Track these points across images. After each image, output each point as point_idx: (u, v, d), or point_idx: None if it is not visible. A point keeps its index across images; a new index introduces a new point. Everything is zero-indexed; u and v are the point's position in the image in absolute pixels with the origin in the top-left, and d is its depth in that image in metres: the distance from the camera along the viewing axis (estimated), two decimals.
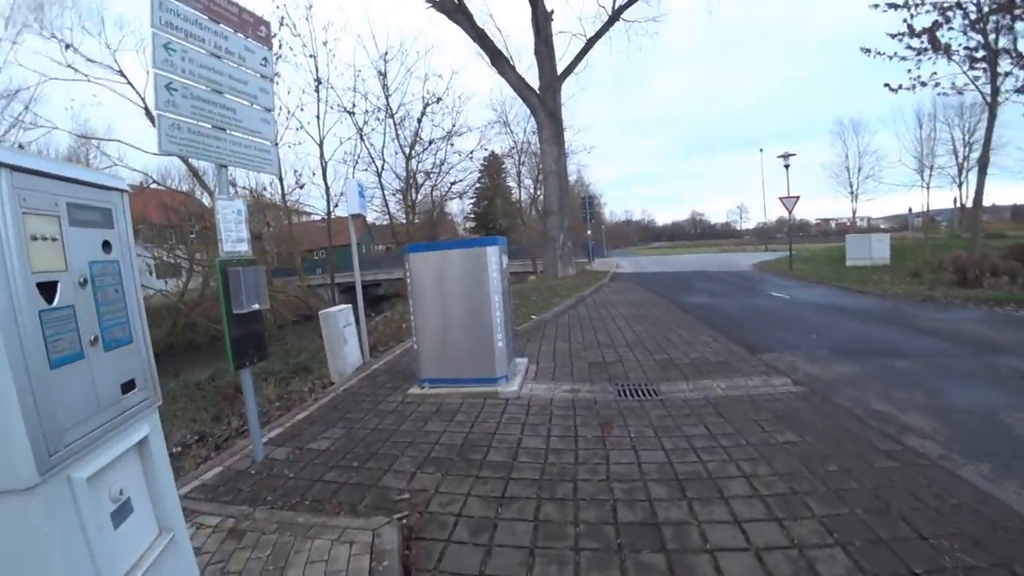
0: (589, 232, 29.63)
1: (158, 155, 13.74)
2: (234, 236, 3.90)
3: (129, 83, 13.75)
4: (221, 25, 3.78)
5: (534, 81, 17.91)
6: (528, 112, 20.06)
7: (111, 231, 1.50)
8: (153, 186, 15.83)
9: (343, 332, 6.55)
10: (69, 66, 11.88)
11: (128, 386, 1.51)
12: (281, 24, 10.29)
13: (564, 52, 18.75)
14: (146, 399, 1.59)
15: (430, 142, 13.28)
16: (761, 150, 57.63)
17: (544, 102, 18.09)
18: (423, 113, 12.81)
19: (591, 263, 27.91)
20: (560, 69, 18.72)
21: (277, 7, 9.95)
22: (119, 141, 13.56)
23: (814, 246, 36.63)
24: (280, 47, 10.18)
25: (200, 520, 2.91)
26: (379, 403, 5.05)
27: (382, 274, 25.65)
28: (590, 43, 18.83)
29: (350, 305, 7.18)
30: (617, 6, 18.47)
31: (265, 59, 4.17)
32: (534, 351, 6.87)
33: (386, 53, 12.40)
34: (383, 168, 12.55)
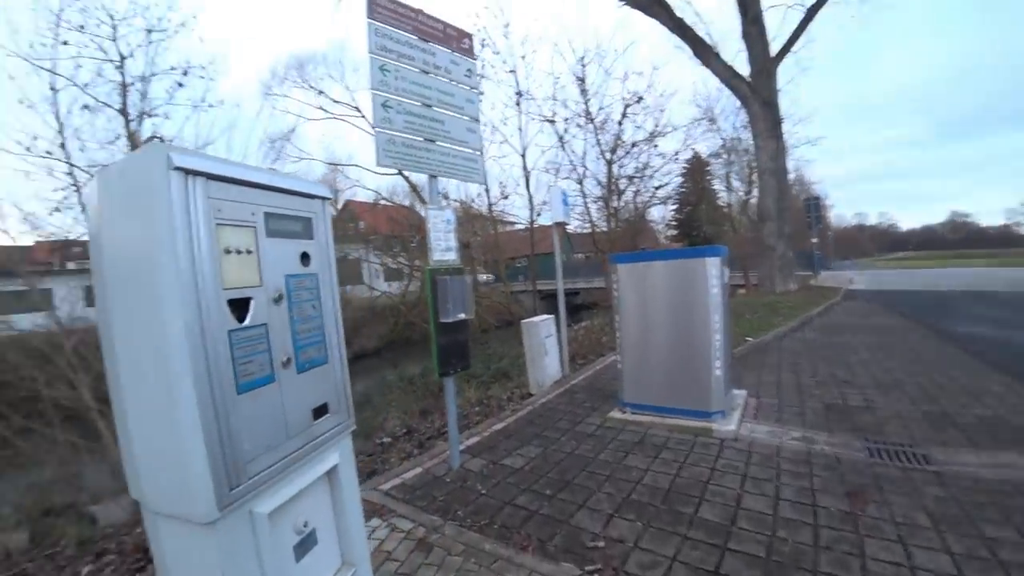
0: (815, 240, 25.42)
1: (386, 175, 15.98)
2: (443, 245, 3.98)
3: (363, 116, 16.30)
4: (429, 43, 3.91)
5: (743, 69, 15.91)
6: (738, 104, 17.98)
7: (310, 242, 1.41)
8: (382, 202, 18.51)
9: (544, 343, 6.45)
10: (320, 108, 14.55)
11: (320, 411, 1.40)
12: (483, 45, 10.91)
13: (777, 31, 16.28)
14: (339, 425, 1.47)
15: (632, 145, 12.68)
16: None
17: (756, 90, 15.95)
18: (624, 115, 12.28)
19: (816, 277, 23.78)
20: (774, 50, 16.30)
21: (478, 30, 10.63)
22: (357, 166, 16.25)
23: None
24: (483, 67, 10.80)
25: (395, 522, 2.95)
26: (576, 423, 4.73)
27: (581, 282, 25.71)
28: (811, 13, 15.98)
29: (552, 316, 7.05)
30: None
31: (469, 70, 4.22)
32: (752, 381, 5.83)
33: (583, 57, 12.23)
34: (584, 175, 12.41)
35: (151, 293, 1.02)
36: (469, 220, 14.46)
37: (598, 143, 12.50)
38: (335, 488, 1.46)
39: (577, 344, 9.12)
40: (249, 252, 1.19)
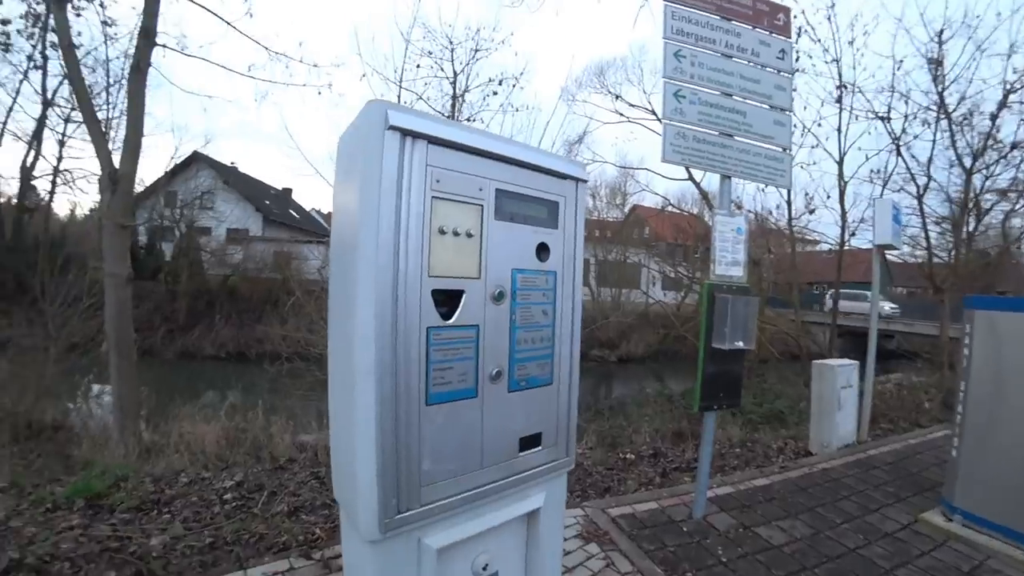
0: None
1: (676, 179, 15.32)
2: (729, 257, 3.38)
3: (658, 118, 15.91)
4: (733, 22, 3.33)
5: None
6: None
7: (553, 232, 1.13)
8: (669, 209, 17.87)
9: (839, 394, 5.06)
10: (615, 111, 14.70)
11: (531, 441, 1.13)
12: (799, 34, 9.10)
13: None
14: (552, 462, 1.18)
15: (1012, 147, 8.76)
16: None
17: None
18: (1003, 104, 8.53)
19: None
20: None
21: (795, 16, 8.80)
22: (648, 169, 16.01)
23: None
24: (797, 59, 9.04)
25: (613, 558, 2.59)
26: (867, 512, 3.48)
27: (899, 325, 20.47)
28: None
29: (855, 363, 5.50)
30: None
31: (783, 51, 3.46)
32: None
33: (941, 32, 8.94)
34: (927, 187, 9.31)
35: (351, 272, 0.91)
36: (763, 235, 12.66)
37: (953, 145, 9.14)
38: (533, 534, 1.19)
39: (885, 403, 7.02)
40: (470, 235, 0.98)
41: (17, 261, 14.53)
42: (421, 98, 8.04)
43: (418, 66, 8.26)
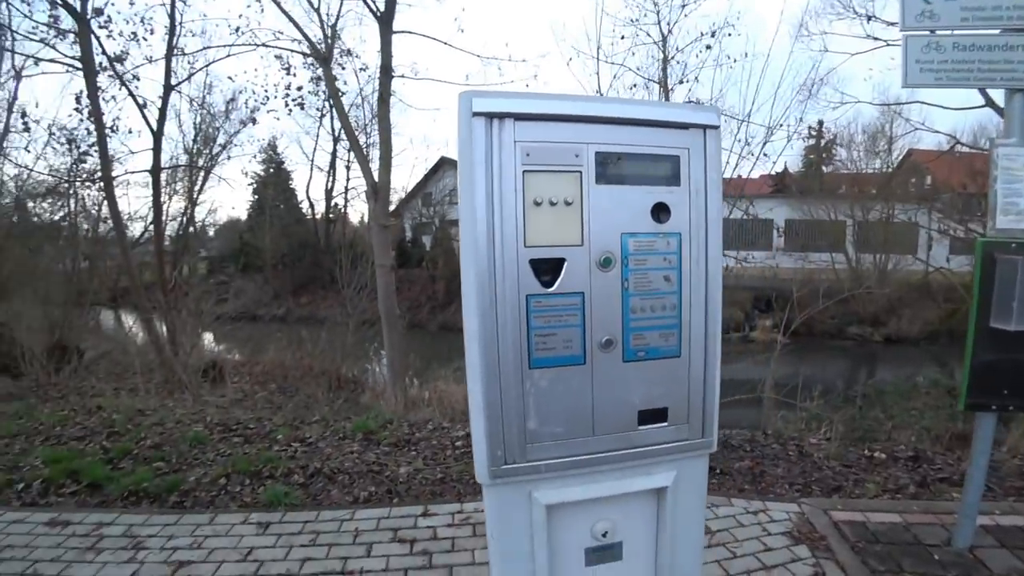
0: None
1: (967, 109, 11.54)
2: (1021, 204, 2.51)
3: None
4: None
5: None
6: None
7: (673, 190, 1.05)
8: (960, 149, 13.53)
9: None
10: (868, 36, 11.61)
11: (653, 416, 1.07)
12: None
13: None
14: (680, 441, 1.10)
15: None
16: None
17: None
18: None
19: None
20: None
21: None
22: (922, 102, 12.17)
23: None
24: None
25: (827, 568, 2.24)
26: None
27: None
28: None
29: None
30: None
31: None
32: None
33: None
34: None
35: (461, 247, 0.99)
36: None
37: None
38: (663, 513, 1.13)
39: None
40: (568, 203, 0.97)
41: (328, 259, 19.41)
42: (630, 69, 7.80)
43: (622, 37, 8.02)
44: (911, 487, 3.42)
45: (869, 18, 11.63)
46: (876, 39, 11.75)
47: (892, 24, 11.58)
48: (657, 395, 1.07)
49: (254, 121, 12.33)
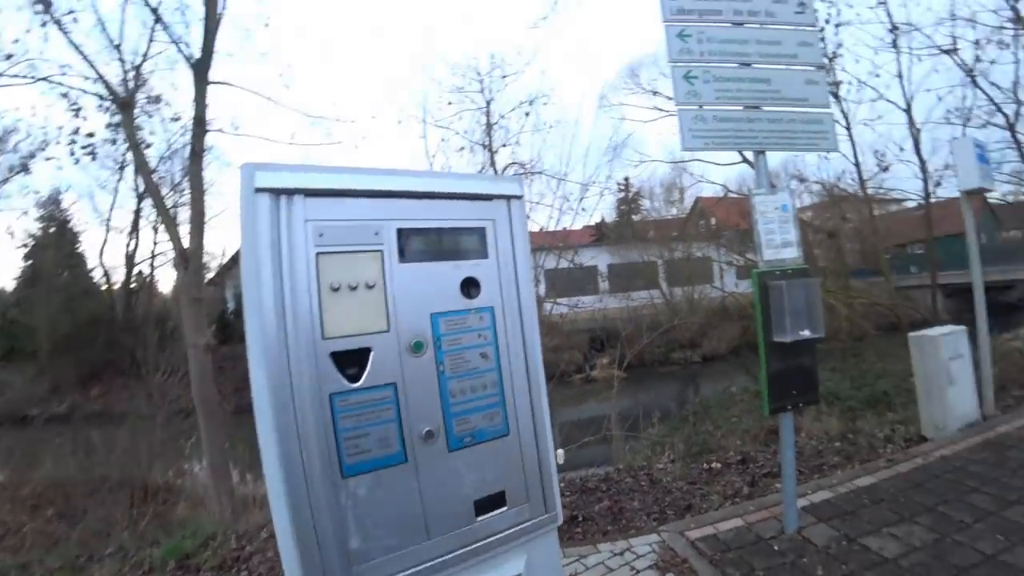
0: None
1: (731, 164, 14.45)
2: (777, 239, 3.11)
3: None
4: None
5: None
6: None
7: (481, 263, 1.02)
8: (730, 195, 16.95)
9: (948, 367, 4.43)
10: (655, 108, 14.29)
11: (490, 503, 1.00)
12: None
13: None
14: (523, 524, 1.03)
15: None
16: None
17: None
18: None
19: None
20: None
21: None
22: (700, 160, 15.14)
23: None
24: (839, 12, 8.32)
25: None
26: (1008, 506, 2.95)
27: (1018, 271, 17.97)
28: None
29: (962, 328, 4.82)
30: None
31: (801, 4, 3.15)
32: None
33: None
34: (1018, 115, 8.18)
35: (250, 348, 0.83)
36: (834, 204, 11.65)
37: None
38: None
39: (1011, 365, 6.08)
40: (370, 287, 0.89)
41: (129, 339, 16.27)
42: (456, 133, 8.24)
43: (450, 103, 8.50)
44: (744, 488, 3.86)
45: (654, 93, 14.01)
46: (661, 110, 14.16)
47: (671, 98, 14.23)
48: (491, 480, 1.00)
49: (26, 169, 10.00)
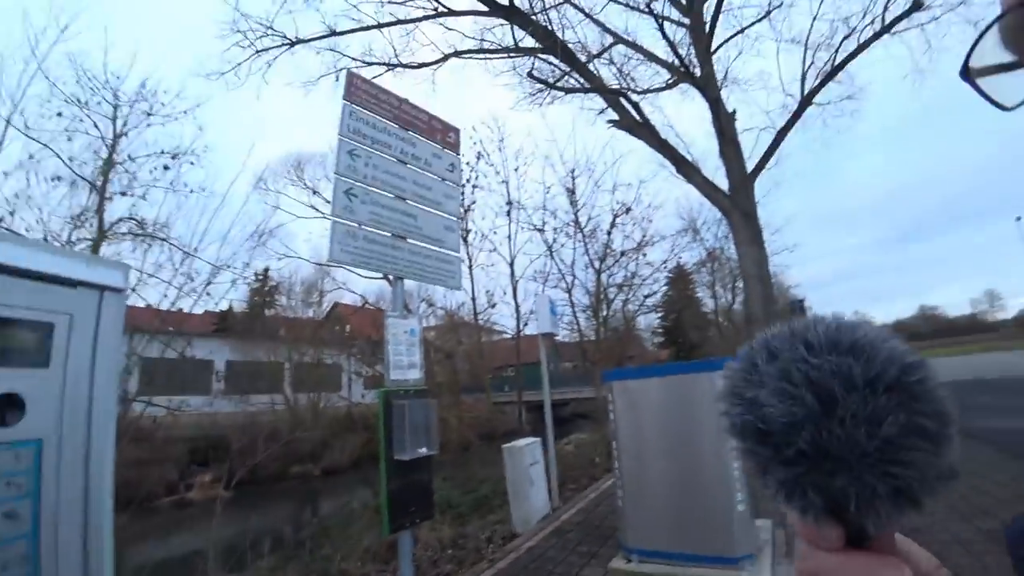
0: None
1: (373, 278, 15.55)
2: (405, 361, 3.28)
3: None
4: (409, 132, 3.57)
5: (722, 183, 16.63)
6: (719, 216, 18.62)
7: (38, 373, 0.67)
8: (368, 306, 17.92)
9: (529, 471, 5.47)
10: (311, 206, 14.54)
11: None
12: (478, 158, 11.17)
13: (752, 149, 17.18)
14: None
15: (621, 254, 12.62)
16: (1019, 218, 36.35)
17: (736, 203, 16.45)
18: (612, 225, 12.34)
19: None
20: (750, 167, 17.19)
21: (474, 143, 10.82)
22: (346, 268, 15.54)
23: None
24: (476, 178, 10.92)
25: None
26: None
27: (570, 392, 24.55)
28: (780, 135, 17.09)
29: (537, 440, 6.13)
30: (806, 91, 16.70)
31: (452, 165, 3.85)
32: (776, 505, 4.87)
33: (573, 170, 12.41)
34: (573, 284, 12.07)
35: None
36: (453, 328, 13.83)
37: (587, 252, 12.37)
38: None
39: (567, 465, 8.03)
40: None
41: None
42: (59, 155, 6.06)
43: (59, 114, 6.30)
44: None
45: (314, 192, 14.10)
46: (317, 210, 14.24)
47: (329, 202, 14.49)
48: None
49: None
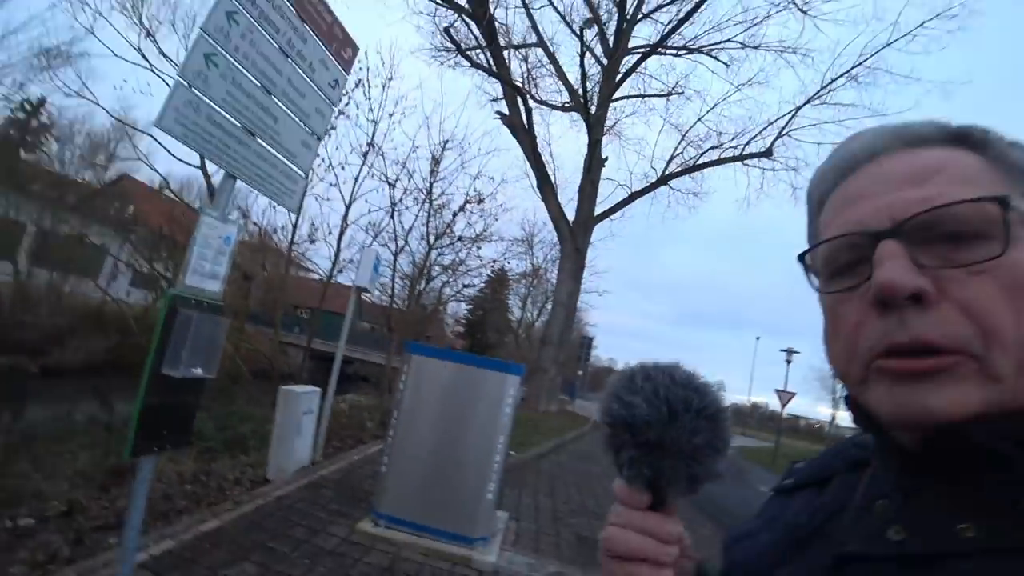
0: (581, 373, 28.84)
1: (186, 164, 13.21)
2: (208, 268, 2.83)
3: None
4: (306, 26, 3.21)
5: (571, 214, 18.33)
6: (555, 241, 20.36)
7: None
8: (168, 193, 15.05)
9: (300, 420, 5.30)
10: (138, 49, 11.54)
11: None
12: (357, 85, 10.34)
13: (606, 197, 19.47)
14: None
15: (458, 239, 12.87)
16: (758, 338, 49.45)
17: (575, 236, 18.30)
18: (462, 208, 12.52)
19: (571, 403, 26.95)
20: (598, 211, 19.29)
21: (360, 68, 9.96)
22: (155, 138, 12.55)
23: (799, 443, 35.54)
24: (347, 104, 10.09)
25: None
26: (316, 534, 3.73)
27: (360, 352, 24.09)
28: (633, 197, 19.65)
29: (318, 389, 5.98)
30: (666, 172, 19.47)
31: (336, 81, 3.55)
32: (513, 502, 5.61)
33: (447, 141, 12.29)
34: (402, 249, 11.92)
35: None
36: (261, 250, 12.52)
37: (427, 223, 12.36)
38: None
39: (338, 423, 7.95)
40: None
41: None
42: None
43: None
44: (66, 549, 3.04)
45: (150, 34, 11.50)
46: (145, 58, 11.56)
47: (165, 56, 11.69)
48: None
49: None
